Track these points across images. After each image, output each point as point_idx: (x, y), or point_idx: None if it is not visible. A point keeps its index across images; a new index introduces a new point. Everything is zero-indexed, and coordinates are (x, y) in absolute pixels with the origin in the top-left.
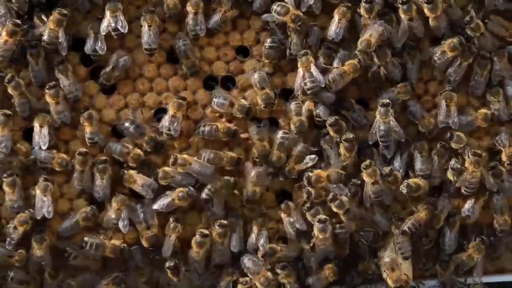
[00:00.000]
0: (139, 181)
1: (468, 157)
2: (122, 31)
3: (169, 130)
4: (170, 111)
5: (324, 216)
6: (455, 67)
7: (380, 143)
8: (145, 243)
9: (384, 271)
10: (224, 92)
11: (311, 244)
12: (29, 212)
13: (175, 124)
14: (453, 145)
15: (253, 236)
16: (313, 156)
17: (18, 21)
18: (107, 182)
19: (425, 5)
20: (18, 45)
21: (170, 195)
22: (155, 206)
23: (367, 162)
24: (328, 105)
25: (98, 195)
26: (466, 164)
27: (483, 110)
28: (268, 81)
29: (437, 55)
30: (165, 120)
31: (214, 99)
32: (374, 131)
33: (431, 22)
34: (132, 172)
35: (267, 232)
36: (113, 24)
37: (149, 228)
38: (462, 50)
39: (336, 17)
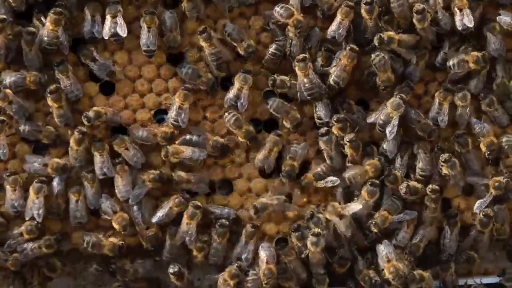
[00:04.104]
0: (131, 150)
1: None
2: (122, 35)
3: (177, 121)
4: (177, 102)
5: (318, 230)
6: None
7: (379, 131)
8: (145, 244)
9: (381, 263)
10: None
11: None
12: (37, 223)
13: (183, 116)
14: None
15: None
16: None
17: (3, 16)
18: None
19: (415, 15)
20: (12, 41)
21: (167, 205)
22: (154, 220)
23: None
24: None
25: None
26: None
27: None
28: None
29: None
30: (172, 111)
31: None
32: (376, 116)
33: (419, 32)
34: (126, 138)
35: None
36: (112, 30)
37: (149, 228)
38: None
39: (338, 16)
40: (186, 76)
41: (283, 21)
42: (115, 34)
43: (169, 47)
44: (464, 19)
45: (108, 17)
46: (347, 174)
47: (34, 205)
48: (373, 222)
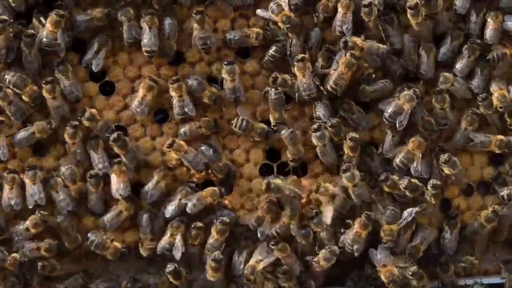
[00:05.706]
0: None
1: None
2: (138, 37)
3: (183, 114)
4: (175, 97)
5: (335, 248)
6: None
7: (386, 121)
8: (143, 252)
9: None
10: None
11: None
12: (41, 215)
13: (190, 106)
14: None
15: None
16: None
17: (4, 17)
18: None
19: (408, 10)
20: (13, 42)
21: (175, 198)
22: (167, 215)
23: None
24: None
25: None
26: None
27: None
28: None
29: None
30: (174, 107)
31: None
32: (385, 106)
33: (414, 27)
34: None
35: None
36: (131, 33)
37: (152, 240)
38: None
39: (340, 11)
40: (191, 88)
41: (273, 17)
42: (133, 37)
43: (164, 53)
44: None
45: (124, 21)
46: (396, 161)
47: (34, 192)
48: (385, 241)
